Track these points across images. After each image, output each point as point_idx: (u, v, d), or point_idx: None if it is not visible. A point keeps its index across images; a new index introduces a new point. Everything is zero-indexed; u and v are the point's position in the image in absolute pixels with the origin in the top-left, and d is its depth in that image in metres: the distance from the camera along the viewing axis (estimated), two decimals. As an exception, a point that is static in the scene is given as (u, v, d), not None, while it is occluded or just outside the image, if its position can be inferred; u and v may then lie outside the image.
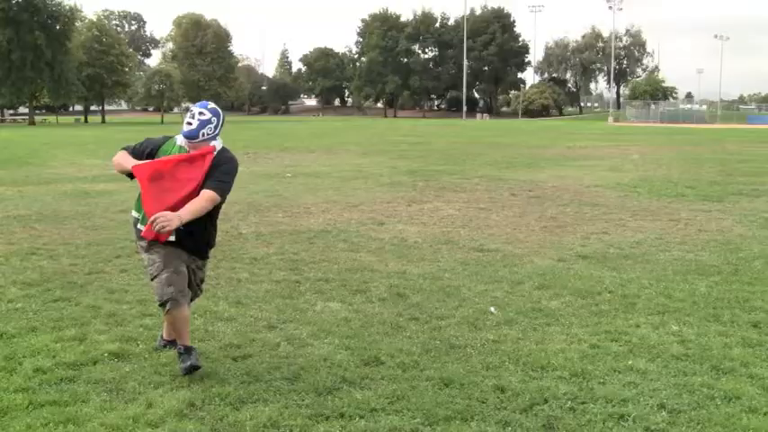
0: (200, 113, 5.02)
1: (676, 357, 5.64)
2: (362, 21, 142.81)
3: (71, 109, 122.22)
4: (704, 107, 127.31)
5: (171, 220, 4.78)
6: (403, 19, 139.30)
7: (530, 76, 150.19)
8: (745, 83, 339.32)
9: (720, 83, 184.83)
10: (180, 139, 5.20)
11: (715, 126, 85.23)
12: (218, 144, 5.17)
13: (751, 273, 8.43)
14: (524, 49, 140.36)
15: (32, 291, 7.56)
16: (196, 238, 5.34)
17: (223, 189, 5.18)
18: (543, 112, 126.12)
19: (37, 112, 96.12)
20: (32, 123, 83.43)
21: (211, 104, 5.13)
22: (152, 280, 5.24)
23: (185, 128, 5.07)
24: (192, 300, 5.53)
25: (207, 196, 5.06)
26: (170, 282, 5.11)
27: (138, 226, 5.34)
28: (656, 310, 6.92)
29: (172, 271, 5.13)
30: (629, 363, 5.50)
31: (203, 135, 5.05)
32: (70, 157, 27.16)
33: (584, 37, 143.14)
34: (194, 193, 5.05)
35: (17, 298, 7.29)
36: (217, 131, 5.13)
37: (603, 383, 5.11)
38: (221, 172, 5.12)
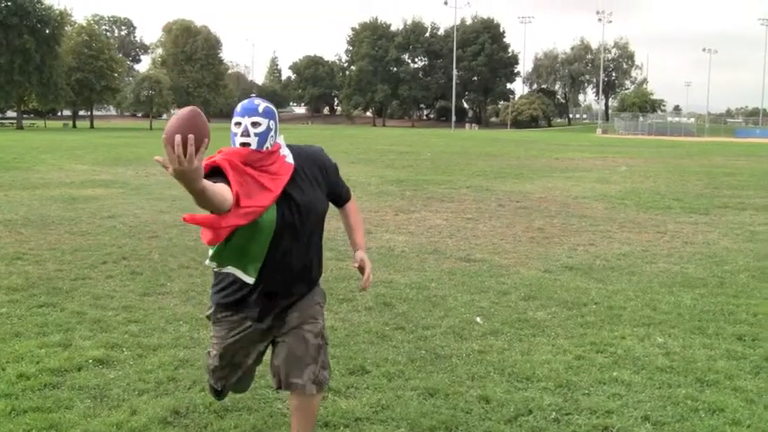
0: (254, 124, 3.55)
1: (661, 369, 5.65)
2: (352, 29, 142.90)
3: (59, 114, 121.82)
4: (692, 120, 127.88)
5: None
6: (393, 28, 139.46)
7: (519, 87, 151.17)
8: (731, 96, 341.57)
9: (708, 96, 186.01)
10: None
11: (703, 139, 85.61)
12: (284, 148, 3.75)
13: (736, 285, 8.47)
14: (514, 60, 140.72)
15: (17, 296, 7.52)
16: (298, 283, 3.89)
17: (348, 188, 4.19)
18: (532, 122, 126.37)
19: (25, 116, 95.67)
20: (20, 128, 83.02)
21: (261, 104, 3.62)
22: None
23: (245, 146, 3.58)
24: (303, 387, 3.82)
25: (357, 207, 4.34)
26: (215, 372, 4.14)
27: (247, 279, 3.73)
28: (642, 322, 6.94)
29: (226, 362, 4.04)
30: (614, 374, 5.51)
31: (267, 149, 3.59)
32: (58, 162, 27.06)
33: (573, 48, 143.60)
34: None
35: (1, 303, 7.25)
36: (277, 135, 3.69)
37: (588, 395, 5.13)
38: (335, 178, 3.99)
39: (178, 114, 3.05)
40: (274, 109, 3.66)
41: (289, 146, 3.78)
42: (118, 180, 20.46)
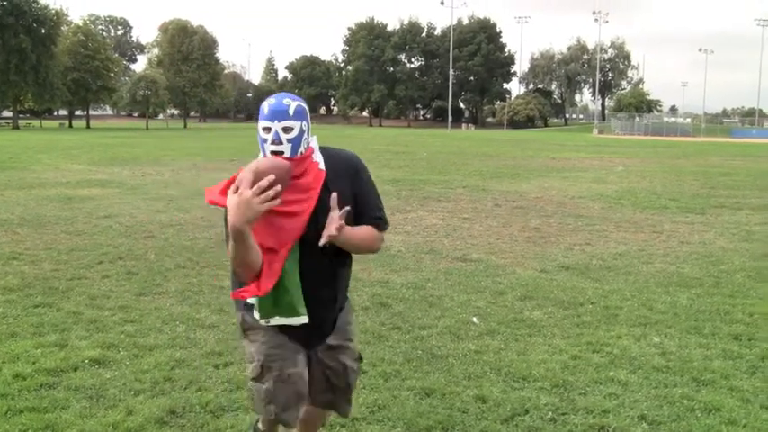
0: (286, 129, 3.10)
1: (657, 369, 5.66)
2: (349, 29, 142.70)
3: (56, 114, 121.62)
4: (688, 120, 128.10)
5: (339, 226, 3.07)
6: (389, 28, 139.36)
7: (515, 87, 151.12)
8: (728, 97, 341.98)
9: (704, 96, 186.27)
10: None
11: (699, 139, 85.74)
12: (316, 151, 3.28)
13: (732, 285, 8.48)
14: (510, 60, 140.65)
15: (13, 296, 7.51)
16: (326, 305, 3.41)
17: (386, 220, 3.47)
18: (528, 123, 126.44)
19: (21, 116, 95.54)
20: (16, 128, 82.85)
21: (292, 104, 3.13)
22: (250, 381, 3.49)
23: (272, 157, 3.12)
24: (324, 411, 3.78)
25: (376, 236, 3.38)
26: (270, 396, 3.37)
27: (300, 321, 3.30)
28: (638, 322, 6.95)
29: (276, 376, 3.36)
30: (611, 374, 5.52)
31: (301, 154, 3.15)
32: (54, 162, 27.04)
33: (569, 48, 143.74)
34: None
35: (-2, 303, 7.25)
36: (310, 137, 3.25)
37: (584, 394, 5.13)
38: (366, 192, 3.36)
39: (278, 161, 3.01)
40: (305, 106, 3.19)
41: (321, 148, 3.30)
42: (114, 180, 20.45)
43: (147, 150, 36.06)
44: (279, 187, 2.90)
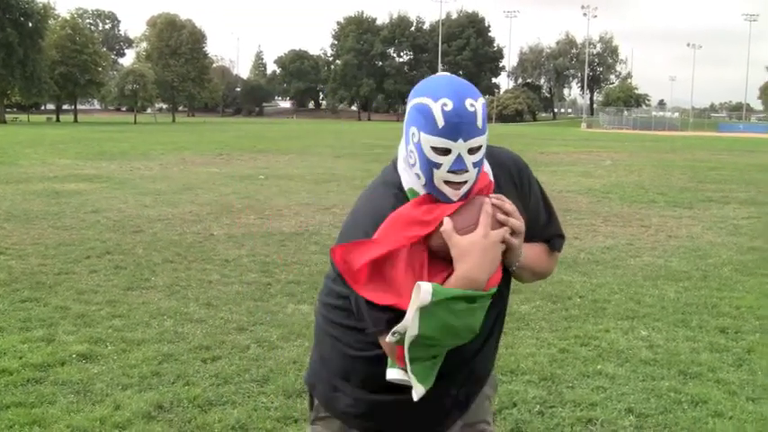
0: (473, 149, 2.09)
1: (645, 362, 5.68)
2: (338, 23, 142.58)
3: (43, 108, 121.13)
4: (676, 114, 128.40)
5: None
6: (378, 22, 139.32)
7: (504, 82, 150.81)
8: (715, 91, 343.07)
9: (692, 91, 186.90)
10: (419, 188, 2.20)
11: (687, 134, 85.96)
12: (486, 166, 2.29)
13: (719, 279, 8.51)
14: (499, 55, 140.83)
15: (0, 291, 7.48)
16: (485, 355, 2.45)
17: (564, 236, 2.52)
18: (517, 117, 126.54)
19: (8, 110, 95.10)
20: (3, 122, 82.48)
21: (477, 107, 2.07)
22: None
23: (454, 187, 2.12)
24: None
25: (553, 258, 2.47)
26: None
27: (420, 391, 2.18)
28: (626, 315, 6.97)
29: None
30: (598, 367, 5.53)
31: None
32: (41, 157, 26.92)
33: (558, 43, 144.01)
34: None
35: (-16, 298, 7.22)
36: None
37: (572, 387, 5.14)
38: (537, 201, 2.43)
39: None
40: (481, 95, 2.13)
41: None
42: (102, 174, 20.37)
43: (135, 145, 35.96)
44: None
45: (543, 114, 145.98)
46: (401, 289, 2.08)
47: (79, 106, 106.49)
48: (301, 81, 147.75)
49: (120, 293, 7.50)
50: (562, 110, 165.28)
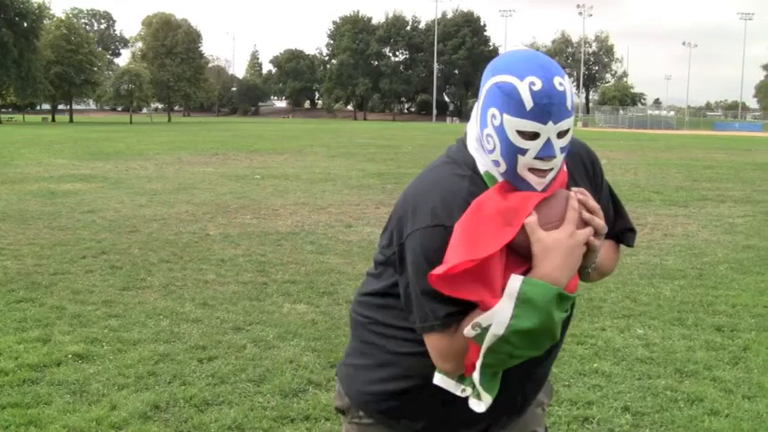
0: (562, 132, 1.86)
1: (641, 360, 5.68)
2: (333, 23, 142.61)
3: (38, 108, 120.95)
4: (672, 113, 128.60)
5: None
6: (374, 21, 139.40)
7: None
8: (711, 90, 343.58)
9: (688, 90, 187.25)
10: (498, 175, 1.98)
11: (683, 132, 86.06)
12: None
13: (715, 277, 8.53)
14: (494, 54, 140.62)
15: (-4, 291, 7.48)
16: (550, 360, 2.32)
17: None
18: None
19: (3, 110, 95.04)
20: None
21: (566, 85, 1.84)
22: None
23: (540, 175, 1.91)
24: None
25: (617, 252, 2.32)
26: None
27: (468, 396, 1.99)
28: (622, 314, 6.98)
29: None
30: (595, 366, 5.54)
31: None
32: (36, 157, 26.88)
33: (553, 42, 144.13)
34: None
35: (-20, 298, 7.20)
36: None
37: (569, 386, 5.15)
38: (607, 194, 2.29)
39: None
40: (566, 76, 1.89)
41: None
42: (97, 174, 20.35)
43: (130, 144, 35.91)
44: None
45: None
46: (485, 281, 1.88)
47: (75, 106, 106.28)
48: (297, 81, 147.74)
49: (115, 293, 7.49)
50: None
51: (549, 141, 1.84)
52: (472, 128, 2.07)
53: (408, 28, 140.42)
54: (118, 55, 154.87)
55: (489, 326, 1.84)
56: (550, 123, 1.82)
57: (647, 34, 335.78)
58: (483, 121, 1.94)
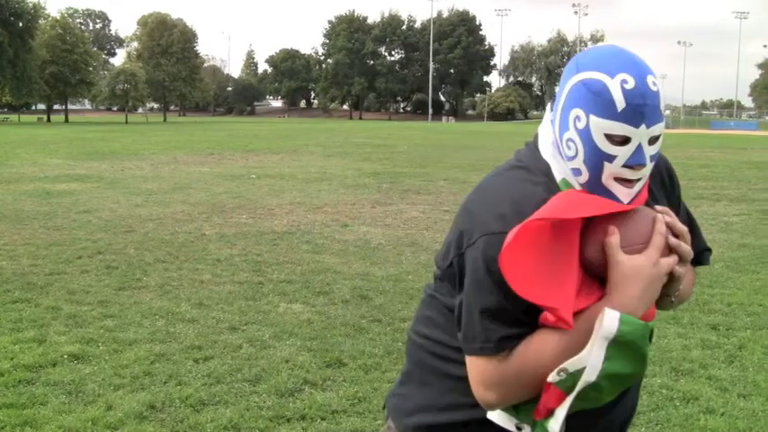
0: (654, 138, 1.68)
1: (636, 359, 5.68)
2: (329, 22, 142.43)
3: (34, 108, 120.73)
4: (667, 112, 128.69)
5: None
6: (369, 21, 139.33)
7: (495, 80, 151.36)
8: (706, 89, 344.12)
9: (683, 88, 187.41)
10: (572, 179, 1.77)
11: (678, 131, 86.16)
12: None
13: (711, 276, 8.53)
14: (490, 53, 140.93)
15: (-9, 291, 7.47)
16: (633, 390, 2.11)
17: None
18: (509, 115, 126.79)
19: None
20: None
21: (658, 86, 1.65)
22: None
23: (627, 185, 1.70)
24: None
25: (693, 274, 2.17)
26: None
27: None
28: (617, 313, 6.97)
29: None
30: (590, 365, 5.53)
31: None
32: (32, 157, 26.83)
33: (549, 41, 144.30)
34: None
35: (-25, 299, 7.19)
36: None
37: (564, 385, 5.14)
38: (684, 209, 2.11)
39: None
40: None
41: None
42: (93, 174, 20.32)
43: (126, 144, 35.86)
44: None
45: (535, 112, 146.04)
46: (561, 283, 1.66)
47: (70, 106, 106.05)
48: (293, 80, 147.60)
49: (111, 293, 7.48)
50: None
51: (639, 147, 1.65)
52: (547, 131, 1.88)
53: (404, 27, 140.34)
54: (113, 55, 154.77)
55: (578, 371, 1.62)
56: (643, 127, 1.63)
57: (642, 33, 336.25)
58: (564, 124, 1.73)
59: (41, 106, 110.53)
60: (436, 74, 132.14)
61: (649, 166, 1.68)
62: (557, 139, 1.77)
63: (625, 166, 1.65)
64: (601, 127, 1.63)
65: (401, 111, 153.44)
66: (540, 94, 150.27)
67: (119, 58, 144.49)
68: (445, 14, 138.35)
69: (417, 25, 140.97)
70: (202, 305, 7.08)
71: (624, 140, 1.63)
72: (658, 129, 1.65)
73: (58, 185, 17.34)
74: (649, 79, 1.63)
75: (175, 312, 6.82)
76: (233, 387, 5.04)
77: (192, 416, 4.59)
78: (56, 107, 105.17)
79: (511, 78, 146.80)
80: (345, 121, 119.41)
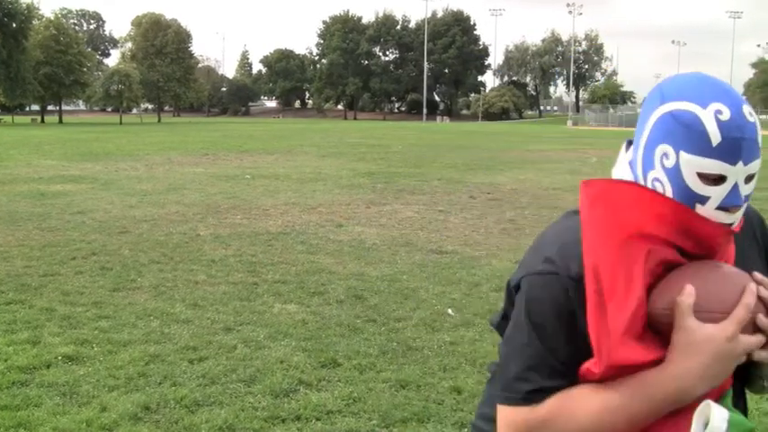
0: (751, 176, 1.46)
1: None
2: (323, 22, 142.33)
3: (28, 109, 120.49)
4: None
5: None
6: (364, 21, 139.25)
7: (490, 80, 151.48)
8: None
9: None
10: None
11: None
12: None
13: None
14: (484, 53, 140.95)
15: (-15, 293, 7.45)
16: None
17: None
18: (503, 115, 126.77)
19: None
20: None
21: (756, 117, 1.46)
22: None
23: (725, 217, 1.47)
24: None
25: None
26: None
27: None
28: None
29: None
30: (585, 364, 5.54)
31: None
32: (26, 158, 26.77)
33: (543, 41, 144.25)
34: None
35: (-31, 300, 7.18)
36: None
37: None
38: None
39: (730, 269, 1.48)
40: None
41: None
42: (87, 175, 20.28)
43: (120, 145, 35.80)
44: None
45: (529, 112, 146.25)
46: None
47: (64, 107, 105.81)
48: (287, 80, 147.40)
49: (106, 294, 7.47)
50: (548, 108, 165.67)
51: (736, 187, 1.44)
52: (622, 174, 1.67)
53: (398, 27, 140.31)
54: (107, 55, 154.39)
55: None
56: (740, 164, 1.42)
57: (636, 33, 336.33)
58: (648, 162, 1.53)
59: (35, 107, 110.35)
60: (431, 74, 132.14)
61: (743, 208, 1.49)
62: (640, 179, 1.56)
63: (719, 208, 1.45)
64: (693, 165, 1.44)
65: (396, 111, 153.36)
66: (534, 93, 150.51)
67: (113, 59, 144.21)
68: (439, 14, 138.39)
69: (412, 25, 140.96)
70: (197, 306, 7.07)
71: (719, 179, 1.44)
72: (755, 166, 1.45)
73: (52, 186, 17.30)
74: (745, 109, 1.44)
75: (170, 313, 6.81)
76: (228, 388, 5.04)
77: (186, 417, 4.59)
78: (50, 108, 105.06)
79: (505, 78, 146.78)
80: (340, 121, 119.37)
